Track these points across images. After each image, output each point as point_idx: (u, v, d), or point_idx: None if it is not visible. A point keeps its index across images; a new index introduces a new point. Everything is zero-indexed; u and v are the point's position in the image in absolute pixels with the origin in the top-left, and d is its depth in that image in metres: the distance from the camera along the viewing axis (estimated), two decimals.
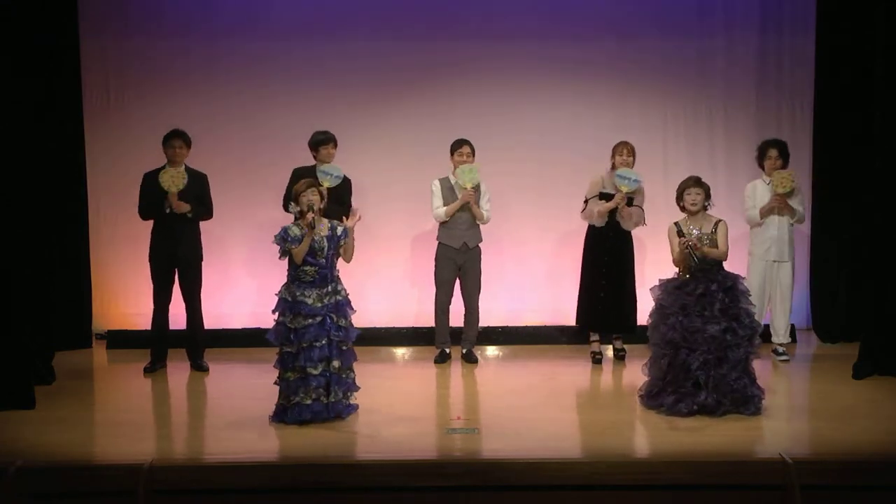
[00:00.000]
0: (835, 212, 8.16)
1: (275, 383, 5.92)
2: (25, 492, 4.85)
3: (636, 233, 7.55)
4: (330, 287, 5.85)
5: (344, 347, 5.85)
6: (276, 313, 5.87)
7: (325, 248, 5.84)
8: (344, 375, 5.85)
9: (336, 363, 5.78)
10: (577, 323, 7.70)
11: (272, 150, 8.27)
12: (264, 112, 8.40)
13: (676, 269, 6.16)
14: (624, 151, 7.36)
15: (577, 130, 8.43)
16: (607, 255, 7.40)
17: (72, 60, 8.07)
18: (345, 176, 7.42)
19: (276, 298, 5.89)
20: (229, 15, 8.40)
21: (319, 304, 5.78)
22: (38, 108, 7.50)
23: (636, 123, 8.42)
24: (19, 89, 6.89)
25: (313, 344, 5.73)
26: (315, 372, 5.74)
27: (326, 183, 7.14)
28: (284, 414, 5.79)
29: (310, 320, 5.75)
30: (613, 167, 7.38)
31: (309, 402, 5.74)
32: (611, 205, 7.28)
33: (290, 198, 7.24)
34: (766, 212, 7.41)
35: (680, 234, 6.10)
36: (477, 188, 7.46)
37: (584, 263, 7.56)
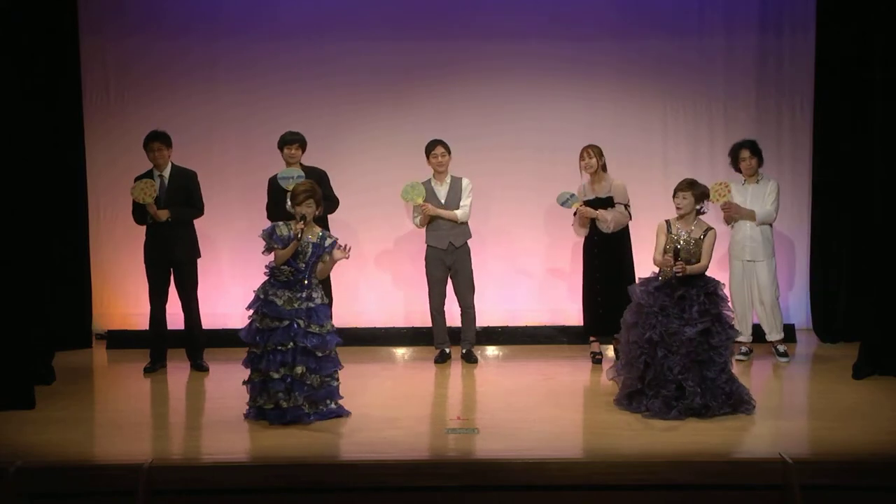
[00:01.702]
0: (835, 211, 8.16)
1: (243, 383, 5.92)
2: (25, 492, 4.85)
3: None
4: (304, 293, 5.80)
5: (320, 354, 5.77)
6: (251, 311, 5.86)
7: (308, 255, 5.81)
8: (317, 384, 5.75)
9: (299, 369, 5.70)
10: (584, 331, 7.70)
11: (271, 151, 8.23)
12: (264, 112, 8.40)
13: (656, 269, 6.15)
14: (584, 156, 7.35)
15: (576, 130, 8.41)
16: (598, 260, 7.40)
17: (72, 60, 8.08)
18: (319, 169, 7.38)
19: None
20: (229, 15, 8.42)
21: (289, 308, 5.75)
22: (38, 108, 7.50)
23: (636, 123, 8.44)
24: (19, 89, 6.89)
25: (277, 348, 5.71)
26: (276, 376, 5.70)
27: (290, 186, 7.07)
28: (253, 412, 5.81)
29: (276, 323, 5.73)
30: (583, 172, 7.40)
31: (270, 406, 5.73)
32: (579, 223, 7.34)
33: (272, 206, 7.26)
34: (726, 220, 7.45)
35: (669, 232, 6.08)
36: (458, 185, 7.45)
37: (584, 269, 7.56)
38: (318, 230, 5.91)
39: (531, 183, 8.44)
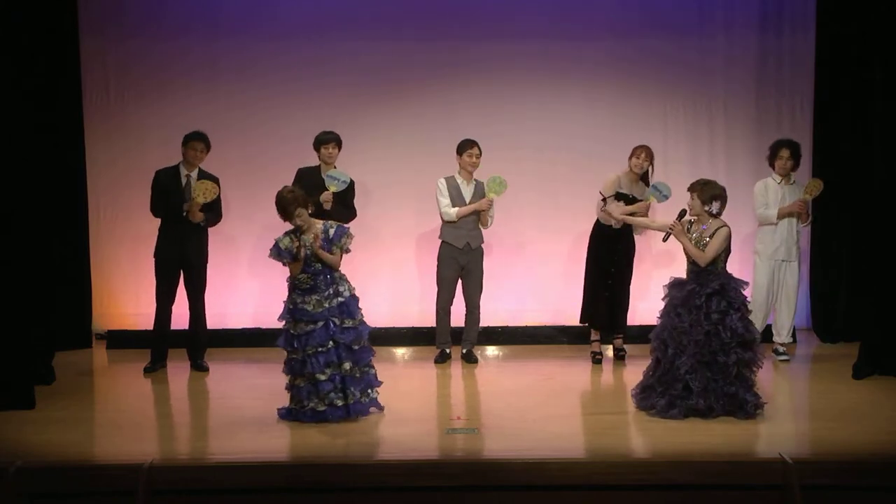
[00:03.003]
0: (835, 211, 8.16)
1: (286, 388, 5.92)
2: (25, 492, 4.85)
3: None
4: (330, 290, 5.81)
5: (356, 347, 5.81)
6: (283, 321, 5.87)
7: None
8: (359, 374, 5.82)
9: (347, 365, 5.76)
10: (581, 321, 7.68)
11: (272, 150, 8.29)
12: (265, 112, 8.41)
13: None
14: (642, 155, 7.35)
15: (577, 130, 8.44)
16: (616, 255, 7.40)
17: (72, 60, 8.08)
18: (350, 178, 7.43)
19: (280, 301, 5.89)
20: (229, 15, 8.41)
21: (320, 309, 5.75)
22: (39, 108, 7.50)
23: (637, 123, 8.43)
24: (19, 89, 6.89)
25: (318, 350, 5.71)
26: (323, 378, 5.72)
27: (333, 188, 7.17)
28: (300, 415, 5.79)
29: (311, 326, 5.73)
30: (630, 169, 7.37)
31: (323, 408, 5.73)
32: (634, 208, 7.24)
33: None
34: (785, 213, 7.40)
35: (679, 217, 6.06)
36: (481, 188, 7.46)
37: (590, 262, 7.54)
38: (318, 226, 5.88)
39: (532, 183, 8.44)
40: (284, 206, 5.79)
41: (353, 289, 5.93)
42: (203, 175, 7.21)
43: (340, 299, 5.82)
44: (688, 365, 5.79)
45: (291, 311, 5.80)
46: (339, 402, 5.74)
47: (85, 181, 8.24)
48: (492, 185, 7.37)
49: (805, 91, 8.42)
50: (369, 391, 5.92)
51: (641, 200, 7.33)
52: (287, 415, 5.84)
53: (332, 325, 5.74)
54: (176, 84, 8.41)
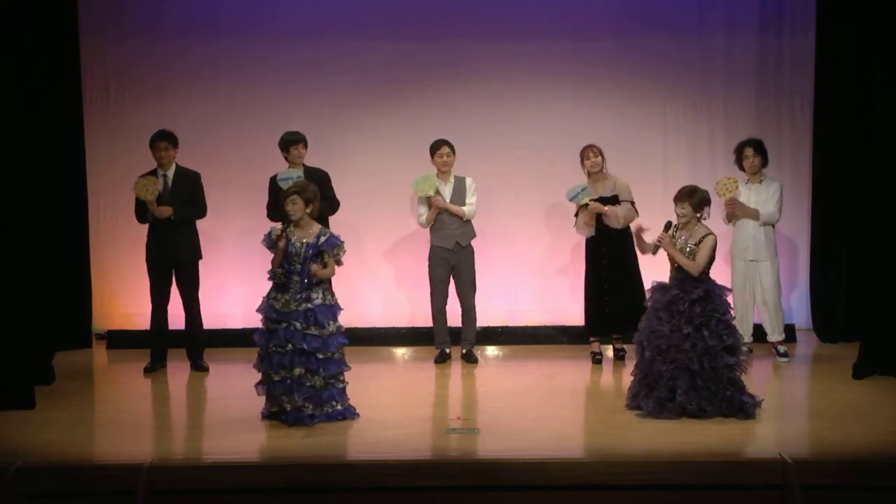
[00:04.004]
0: (835, 211, 8.16)
1: (255, 386, 5.93)
2: (25, 492, 4.85)
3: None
4: (302, 294, 5.73)
5: (321, 356, 5.71)
6: (262, 313, 5.86)
7: (301, 255, 5.74)
8: (311, 383, 5.70)
9: (297, 371, 5.66)
10: (588, 333, 7.65)
11: (272, 150, 8.22)
12: (265, 112, 8.40)
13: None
14: (590, 154, 7.36)
15: (576, 130, 8.40)
16: (605, 259, 7.38)
17: (72, 60, 8.09)
18: (321, 170, 7.39)
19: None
20: (229, 15, 8.42)
21: (287, 310, 5.71)
22: (38, 108, 7.50)
23: (636, 123, 8.44)
24: (19, 89, 6.90)
25: (276, 350, 5.69)
26: (276, 378, 5.70)
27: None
28: (273, 415, 5.82)
29: (275, 325, 5.71)
30: (588, 172, 7.39)
31: (275, 409, 5.75)
32: (586, 219, 7.25)
33: (272, 206, 7.25)
34: (728, 217, 7.43)
35: (666, 229, 6.04)
36: (461, 185, 7.44)
37: (587, 271, 7.53)
38: (315, 229, 5.85)
39: (532, 183, 8.44)
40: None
41: (329, 300, 5.82)
42: (179, 171, 7.21)
43: (309, 305, 5.73)
44: (670, 370, 5.79)
45: (265, 306, 5.79)
46: (287, 407, 5.69)
47: (85, 181, 8.24)
48: (417, 187, 7.42)
49: (805, 91, 8.41)
50: (333, 402, 5.80)
51: (612, 196, 7.30)
52: (269, 415, 5.84)
53: (292, 328, 5.68)
54: (176, 84, 8.41)
